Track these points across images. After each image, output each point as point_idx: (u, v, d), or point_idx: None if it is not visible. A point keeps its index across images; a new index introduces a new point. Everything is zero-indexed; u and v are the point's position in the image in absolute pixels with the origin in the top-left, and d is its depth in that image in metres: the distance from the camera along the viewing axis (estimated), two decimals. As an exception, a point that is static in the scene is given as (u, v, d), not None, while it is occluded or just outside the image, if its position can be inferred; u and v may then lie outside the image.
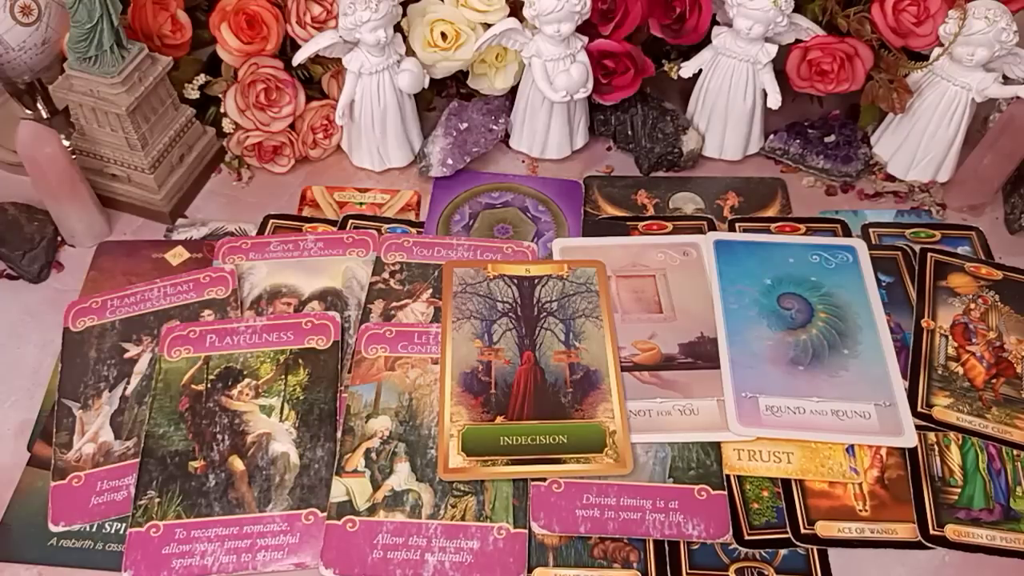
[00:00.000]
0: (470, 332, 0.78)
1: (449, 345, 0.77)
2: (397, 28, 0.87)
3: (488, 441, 0.71)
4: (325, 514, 0.69)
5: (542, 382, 0.75)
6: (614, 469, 0.70)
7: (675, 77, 0.93)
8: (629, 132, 0.94)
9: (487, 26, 0.87)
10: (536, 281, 0.82)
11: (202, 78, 0.90)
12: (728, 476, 0.71)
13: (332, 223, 0.90)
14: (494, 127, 0.94)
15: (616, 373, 0.75)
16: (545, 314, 0.79)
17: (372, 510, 0.69)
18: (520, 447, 0.71)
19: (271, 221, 0.89)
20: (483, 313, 0.80)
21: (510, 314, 0.79)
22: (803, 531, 0.69)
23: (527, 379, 0.75)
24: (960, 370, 0.77)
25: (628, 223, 0.89)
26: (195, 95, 0.90)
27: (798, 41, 0.88)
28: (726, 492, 0.70)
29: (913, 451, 0.72)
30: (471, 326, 0.79)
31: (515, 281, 0.82)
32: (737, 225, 0.89)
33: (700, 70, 0.92)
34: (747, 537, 0.69)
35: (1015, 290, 0.83)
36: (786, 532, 0.69)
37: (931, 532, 0.69)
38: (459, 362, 0.76)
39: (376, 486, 0.70)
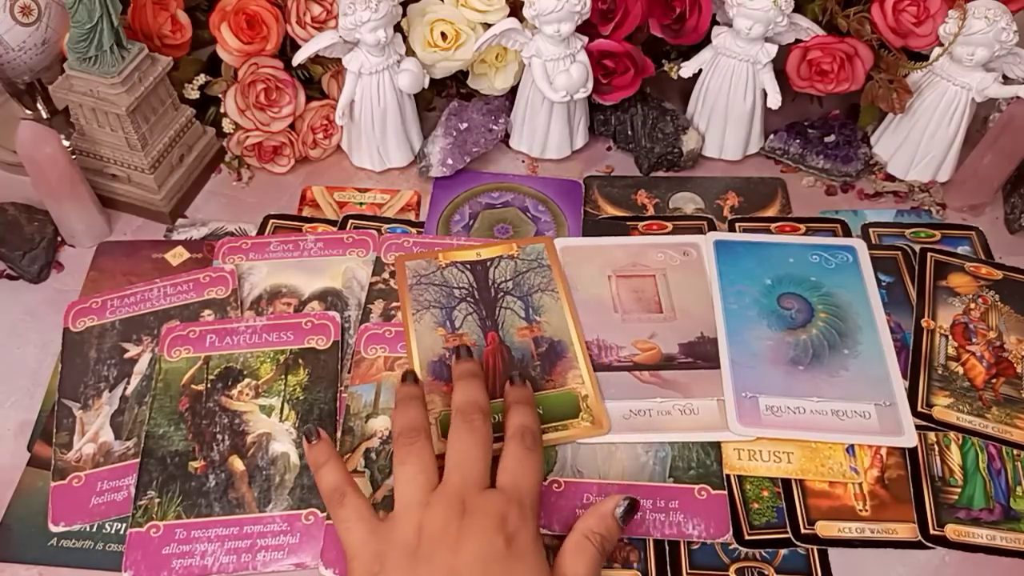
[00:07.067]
0: (431, 322, 0.78)
1: (413, 337, 0.77)
2: (397, 28, 0.87)
3: None
4: (325, 514, 0.68)
5: (509, 359, 0.76)
6: (592, 432, 0.71)
7: (675, 77, 0.93)
8: (629, 132, 0.94)
9: (487, 26, 0.87)
10: (488, 263, 0.83)
11: (202, 78, 0.90)
12: (728, 476, 0.71)
13: (332, 223, 0.89)
14: (494, 127, 0.94)
15: (580, 340, 0.76)
16: (502, 294, 0.80)
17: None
18: (498, 425, 0.70)
19: (271, 221, 0.89)
20: (441, 301, 0.80)
21: (468, 299, 0.80)
22: (803, 531, 0.69)
23: (495, 358, 0.76)
24: (960, 370, 0.77)
25: (628, 223, 0.89)
26: (195, 95, 0.90)
27: (798, 41, 0.88)
28: (726, 492, 0.70)
29: (913, 451, 0.72)
30: (431, 316, 0.79)
31: (468, 266, 0.82)
32: (737, 225, 0.89)
33: (700, 70, 0.92)
34: (747, 537, 0.69)
35: (1015, 290, 0.83)
36: (786, 532, 0.69)
37: (931, 532, 0.69)
38: (425, 352, 0.76)
39: (376, 486, 0.70)
